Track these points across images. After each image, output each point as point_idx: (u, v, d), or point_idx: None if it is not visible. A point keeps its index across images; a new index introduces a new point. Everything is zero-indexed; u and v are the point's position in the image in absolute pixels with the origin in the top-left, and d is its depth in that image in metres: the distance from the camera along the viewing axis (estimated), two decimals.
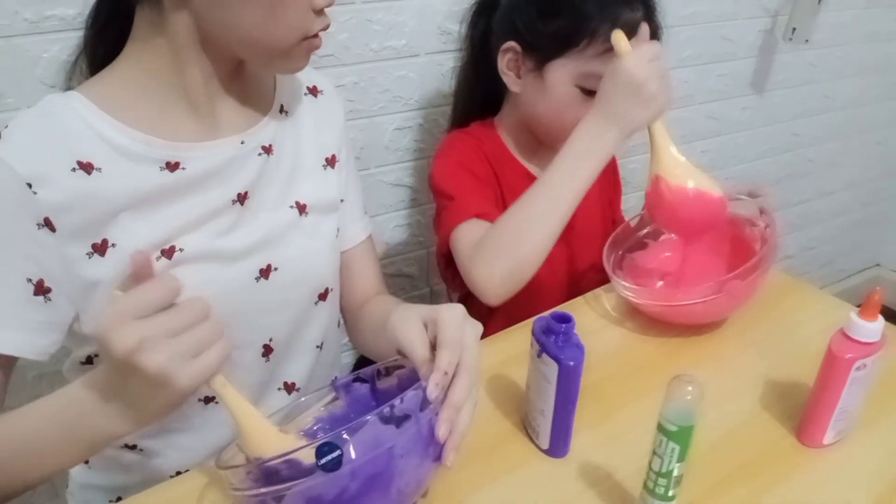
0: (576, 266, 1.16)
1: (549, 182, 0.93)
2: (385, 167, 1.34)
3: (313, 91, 0.93)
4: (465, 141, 1.13)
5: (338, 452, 0.57)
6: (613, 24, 0.95)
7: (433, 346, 0.67)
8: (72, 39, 0.94)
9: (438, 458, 0.63)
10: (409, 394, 0.61)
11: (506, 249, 0.93)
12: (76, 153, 0.71)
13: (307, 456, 0.57)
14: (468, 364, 0.65)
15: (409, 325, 0.68)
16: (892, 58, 2.15)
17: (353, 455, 0.58)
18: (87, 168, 0.71)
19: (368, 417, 0.59)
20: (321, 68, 1.15)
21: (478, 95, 1.17)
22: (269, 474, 0.59)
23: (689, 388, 0.61)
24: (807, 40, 1.72)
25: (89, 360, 0.82)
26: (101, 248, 0.73)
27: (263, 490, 0.59)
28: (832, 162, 2.24)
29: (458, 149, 1.12)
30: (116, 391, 0.62)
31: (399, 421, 0.62)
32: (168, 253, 0.76)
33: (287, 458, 0.58)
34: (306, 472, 0.57)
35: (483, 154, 1.11)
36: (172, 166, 0.76)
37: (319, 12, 0.74)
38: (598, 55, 0.98)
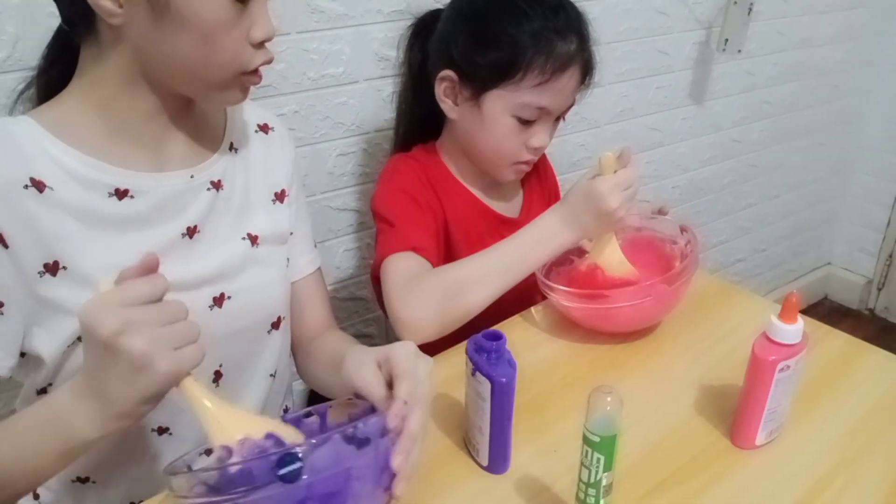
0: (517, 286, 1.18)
1: (503, 253, 0.99)
2: (330, 193, 1.35)
3: (264, 128, 0.95)
4: (409, 165, 1.14)
5: (299, 465, 0.57)
6: (548, 56, 0.99)
7: (389, 385, 0.69)
8: (3, 82, 0.95)
9: (388, 487, 0.64)
10: (372, 419, 0.63)
11: (446, 299, 0.96)
12: (29, 171, 0.72)
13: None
14: (422, 396, 0.67)
15: (364, 369, 0.71)
16: (827, 62, 2.22)
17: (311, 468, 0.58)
18: (39, 186, 0.72)
19: (334, 434, 0.60)
20: (260, 98, 1.17)
21: (418, 118, 1.18)
22: (227, 480, 0.59)
23: (609, 399, 0.63)
24: (739, 50, 1.77)
25: (44, 391, 0.82)
26: (52, 269, 0.74)
27: (216, 499, 0.58)
28: (776, 165, 2.30)
29: (400, 173, 1.13)
30: (94, 384, 0.63)
31: (360, 443, 0.63)
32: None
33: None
34: (263, 480, 0.57)
35: (426, 179, 1.12)
36: (121, 193, 0.77)
37: (258, 46, 0.75)
38: (534, 87, 1.01)
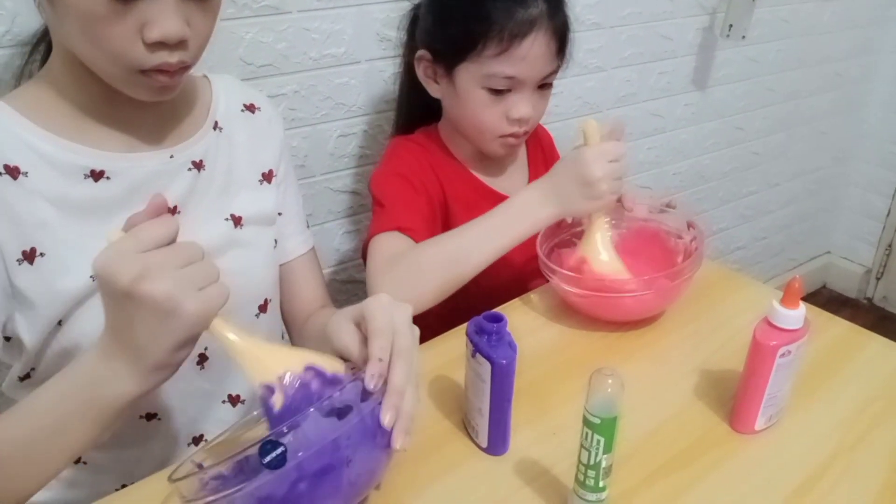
0: (516, 267, 1.18)
1: (476, 231, 0.96)
2: (331, 174, 1.34)
3: (250, 108, 0.93)
4: (408, 148, 1.14)
5: (281, 449, 0.56)
6: (504, 23, 0.98)
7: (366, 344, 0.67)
8: (1, 57, 0.94)
9: (388, 445, 0.63)
10: (348, 385, 0.62)
11: (421, 276, 0.95)
12: (4, 157, 0.71)
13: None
14: (402, 347, 0.64)
15: (342, 330, 0.69)
16: (831, 49, 2.21)
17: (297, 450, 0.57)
18: (13, 172, 0.72)
19: (309, 410, 0.59)
20: (260, 78, 1.16)
21: (417, 101, 1.18)
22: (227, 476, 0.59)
23: (610, 381, 0.62)
24: (744, 36, 1.76)
25: (27, 376, 0.81)
26: (29, 256, 0.73)
27: (211, 498, 0.58)
28: (778, 153, 2.29)
29: (398, 156, 1.14)
30: (123, 339, 0.61)
31: (341, 413, 0.61)
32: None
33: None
34: (251, 473, 0.57)
35: (427, 161, 1.12)
36: (97, 175, 0.76)
37: (155, 46, 0.67)
38: (496, 56, 1.01)
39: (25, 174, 0.72)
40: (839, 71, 2.29)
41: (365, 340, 0.67)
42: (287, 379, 0.62)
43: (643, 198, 1.07)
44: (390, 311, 0.67)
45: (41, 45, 0.84)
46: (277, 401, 0.61)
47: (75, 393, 0.64)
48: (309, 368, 0.63)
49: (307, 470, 0.58)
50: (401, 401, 0.63)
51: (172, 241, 0.61)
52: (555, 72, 1.07)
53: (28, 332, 0.76)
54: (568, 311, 1.03)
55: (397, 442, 0.63)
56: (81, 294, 0.75)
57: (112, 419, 0.65)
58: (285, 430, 0.58)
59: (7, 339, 0.78)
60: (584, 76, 1.63)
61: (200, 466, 0.65)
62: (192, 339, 0.62)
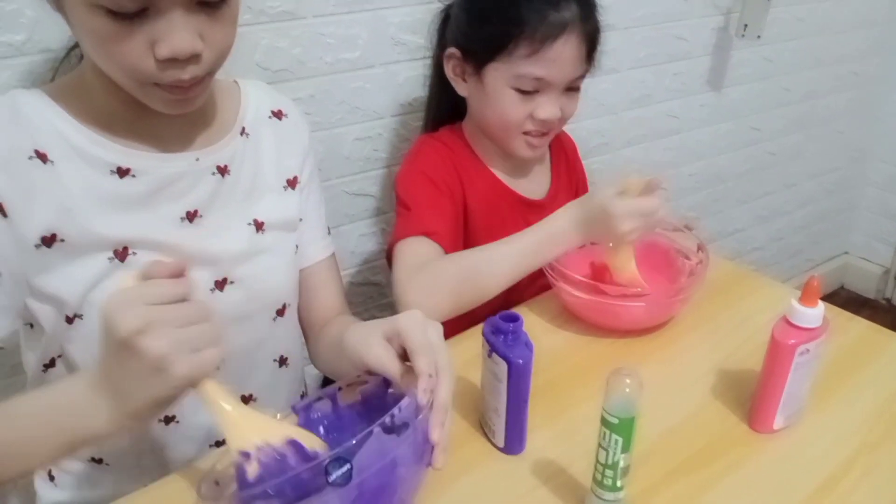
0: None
1: (506, 251, 0.98)
2: (346, 178, 1.35)
3: (278, 115, 0.94)
4: (433, 146, 1.15)
5: (348, 466, 0.56)
6: (538, 25, 0.99)
7: (403, 359, 0.68)
8: (22, 66, 0.95)
9: (428, 462, 0.64)
10: (405, 402, 0.61)
11: (452, 287, 0.97)
12: (35, 142, 0.73)
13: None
14: (444, 364, 0.66)
15: (373, 344, 0.69)
16: (847, 49, 2.19)
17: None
18: (42, 158, 0.73)
19: (374, 428, 0.58)
20: (276, 83, 1.17)
21: (445, 101, 1.19)
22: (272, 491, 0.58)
23: (628, 381, 0.62)
24: (759, 36, 1.75)
25: (52, 364, 0.82)
26: (49, 241, 0.74)
27: None
28: (795, 154, 2.27)
29: (424, 155, 1.15)
30: (109, 379, 0.61)
31: (398, 430, 0.61)
32: (121, 255, 0.77)
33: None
34: (310, 486, 0.56)
35: (450, 160, 1.13)
36: (123, 172, 0.77)
37: (168, 62, 0.67)
38: (526, 57, 1.01)
39: (53, 161, 0.73)
40: (856, 70, 2.27)
41: (396, 355, 0.68)
42: (265, 449, 0.61)
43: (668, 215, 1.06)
44: (425, 328, 0.68)
45: (77, 48, 0.85)
46: (252, 469, 0.60)
47: (50, 413, 0.65)
48: (290, 442, 0.63)
49: (366, 488, 0.58)
50: (446, 418, 0.64)
51: (183, 299, 0.61)
52: (583, 76, 1.08)
53: (45, 317, 0.77)
54: (573, 318, 1.04)
55: (439, 461, 0.63)
56: (96, 279, 0.76)
57: (77, 447, 0.66)
58: (354, 444, 0.57)
59: (30, 325, 0.80)
60: (598, 77, 1.61)
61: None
62: (173, 398, 0.62)
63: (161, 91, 0.70)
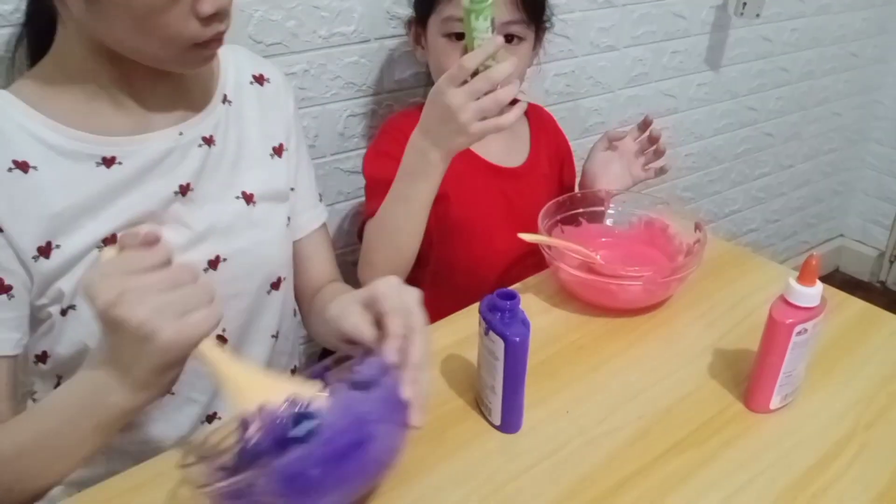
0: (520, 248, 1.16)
1: (392, 198, 0.98)
2: (341, 154, 1.33)
3: (259, 79, 0.92)
4: (398, 125, 1.14)
5: (316, 422, 0.56)
6: None
7: (378, 325, 0.68)
8: (8, 35, 0.93)
9: (405, 423, 0.64)
10: (371, 360, 0.63)
11: (373, 257, 1.01)
12: (12, 152, 0.71)
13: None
14: (417, 325, 0.67)
15: (349, 313, 0.70)
16: (846, 29, 2.17)
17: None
18: (23, 167, 0.71)
19: (338, 384, 0.59)
20: (270, 56, 1.15)
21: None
22: (247, 457, 0.58)
23: None
24: (758, 14, 1.74)
25: (45, 355, 0.81)
26: (45, 251, 0.73)
27: (238, 478, 0.56)
28: (791, 134, 2.27)
29: (386, 134, 1.15)
30: (109, 355, 0.61)
31: (365, 387, 0.62)
32: (112, 241, 0.76)
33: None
34: (281, 448, 0.56)
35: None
36: (108, 161, 0.75)
37: (208, 19, 0.70)
38: None
39: (35, 168, 0.72)
40: (854, 51, 2.26)
41: (374, 322, 0.69)
42: (266, 409, 0.60)
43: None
44: (401, 292, 0.69)
45: (37, 28, 0.82)
46: (253, 431, 0.60)
47: (77, 399, 0.65)
48: (289, 399, 0.62)
49: (336, 445, 0.58)
50: (420, 375, 0.64)
51: (163, 265, 0.60)
52: (516, 23, 1.05)
53: (46, 314, 0.77)
54: (570, 297, 1.02)
55: (415, 418, 0.63)
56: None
57: (110, 428, 0.66)
58: (312, 404, 0.58)
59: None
60: (595, 55, 1.61)
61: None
62: (175, 363, 0.61)
63: (199, 50, 0.73)
